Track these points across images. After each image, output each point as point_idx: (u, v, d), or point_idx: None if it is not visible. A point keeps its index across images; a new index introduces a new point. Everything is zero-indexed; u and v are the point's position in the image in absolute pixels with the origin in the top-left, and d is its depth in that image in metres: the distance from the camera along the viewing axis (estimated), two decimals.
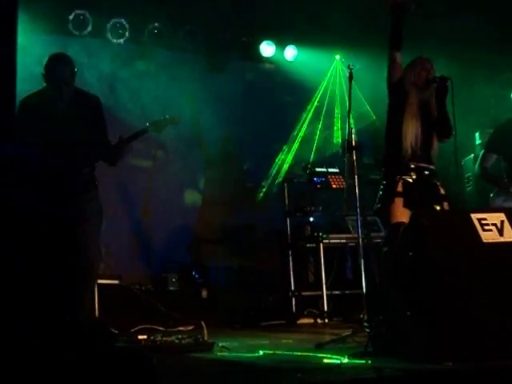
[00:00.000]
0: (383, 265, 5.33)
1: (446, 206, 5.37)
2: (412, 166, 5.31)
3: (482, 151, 6.78)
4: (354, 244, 7.83)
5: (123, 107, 8.71)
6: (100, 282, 6.88)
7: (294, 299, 8.09)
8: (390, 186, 5.28)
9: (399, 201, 5.21)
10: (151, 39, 8.84)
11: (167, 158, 9.30)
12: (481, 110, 8.95)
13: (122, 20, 8.60)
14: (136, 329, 6.60)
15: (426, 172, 5.37)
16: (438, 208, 5.29)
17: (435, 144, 5.45)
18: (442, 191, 5.41)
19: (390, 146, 5.43)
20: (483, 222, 4.21)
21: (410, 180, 5.27)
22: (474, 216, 4.23)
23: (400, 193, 5.23)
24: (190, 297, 8.10)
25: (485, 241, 4.13)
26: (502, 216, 4.25)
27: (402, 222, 5.04)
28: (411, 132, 5.32)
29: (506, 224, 4.22)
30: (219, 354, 5.19)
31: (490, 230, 4.17)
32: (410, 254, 4.32)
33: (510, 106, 8.52)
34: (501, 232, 4.18)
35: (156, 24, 8.80)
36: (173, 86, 8.99)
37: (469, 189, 8.48)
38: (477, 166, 6.80)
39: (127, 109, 8.70)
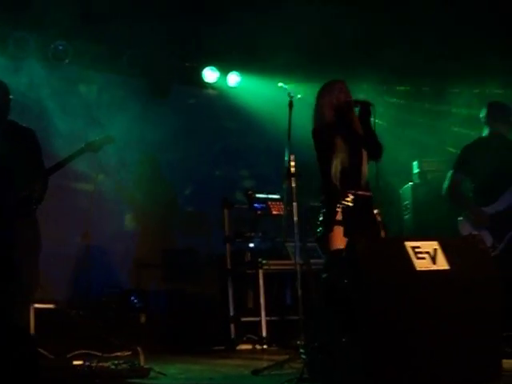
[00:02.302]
0: (321, 291, 5.37)
1: (382, 234, 5.44)
2: (349, 196, 5.36)
3: (450, 172, 6.70)
4: (293, 270, 7.86)
5: (63, 129, 8.63)
6: (36, 306, 6.79)
7: (233, 325, 8.08)
8: (330, 214, 5.33)
9: (339, 229, 5.26)
10: (93, 62, 8.81)
11: (108, 181, 9.24)
12: (416, 140, 9.11)
13: (64, 43, 8.56)
14: (72, 354, 6.53)
15: (363, 199, 5.44)
16: (376, 236, 5.37)
17: (364, 169, 5.51)
18: (379, 219, 5.48)
19: (325, 175, 5.47)
20: (417, 250, 4.26)
21: (349, 207, 5.33)
22: (408, 244, 4.29)
23: (340, 221, 5.28)
24: (129, 322, 8.03)
25: (418, 269, 4.19)
26: (435, 244, 4.31)
27: (342, 250, 5.09)
28: (341, 159, 5.37)
29: (439, 252, 4.28)
30: (155, 380, 5.16)
31: (424, 258, 4.23)
32: (345, 281, 4.36)
33: (443, 137, 8.72)
34: (434, 260, 4.25)
35: (98, 47, 8.78)
36: (114, 110, 8.95)
37: (406, 217, 8.60)
38: (445, 187, 6.71)
39: (67, 131, 8.63)
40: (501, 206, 6.43)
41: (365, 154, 5.52)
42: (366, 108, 5.42)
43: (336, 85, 5.58)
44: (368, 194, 5.47)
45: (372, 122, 5.46)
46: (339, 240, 5.18)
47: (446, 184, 6.72)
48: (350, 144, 5.42)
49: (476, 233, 6.24)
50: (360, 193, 5.41)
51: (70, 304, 8.02)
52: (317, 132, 5.48)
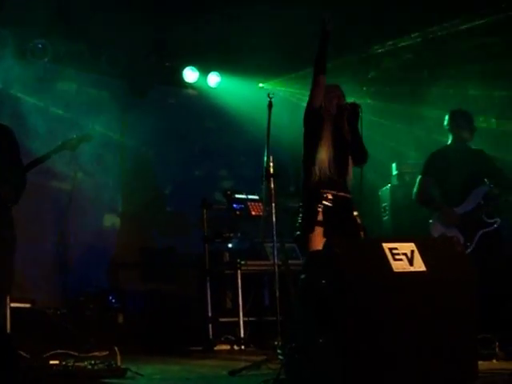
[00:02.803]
0: (299, 292, 5.38)
1: (362, 235, 5.46)
2: (330, 196, 5.38)
3: (419, 176, 6.94)
4: (271, 271, 7.87)
5: (40, 128, 8.59)
6: (13, 305, 6.76)
7: (210, 325, 8.07)
8: (311, 215, 5.34)
9: (319, 230, 5.28)
10: (73, 61, 8.77)
11: (87, 180, 9.20)
12: (396, 141, 9.16)
13: (43, 41, 8.51)
14: (49, 354, 6.50)
15: (344, 201, 5.45)
16: (355, 237, 5.38)
17: (350, 171, 5.54)
18: (359, 221, 5.50)
19: (307, 174, 5.49)
20: (394, 251, 4.27)
21: (329, 208, 5.34)
22: (386, 245, 4.29)
23: (320, 222, 5.30)
24: (106, 322, 8.01)
25: (395, 270, 4.20)
26: (412, 246, 4.33)
27: (321, 250, 5.10)
28: (327, 160, 5.40)
29: (416, 254, 4.30)
30: (131, 380, 5.15)
31: (401, 260, 4.25)
32: (323, 281, 4.37)
33: (420, 140, 8.77)
34: (411, 262, 4.26)
35: (78, 46, 8.74)
36: (93, 110, 8.92)
37: (385, 218, 8.63)
38: (414, 191, 6.94)
39: (45, 130, 8.59)
40: (469, 206, 6.63)
41: (350, 158, 5.56)
42: (353, 111, 5.44)
43: (329, 89, 5.60)
44: (348, 195, 5.49)
45: (359, 126, 5.47)
46: (319, 241, 5.20)
47: (415, 189, 6.95)
48: (335, 145, 5.45)
49: (447, 233, 6.39)
50: (340, 194, 5.43)
51: (47, 303, 7.99)
52: (307, 114, 5.52)
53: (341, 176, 5.46)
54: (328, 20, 5.41)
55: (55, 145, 5.68)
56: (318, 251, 5.04)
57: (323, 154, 5.40)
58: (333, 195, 5.39)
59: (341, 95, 5.57)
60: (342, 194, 5.44)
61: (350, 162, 5.55)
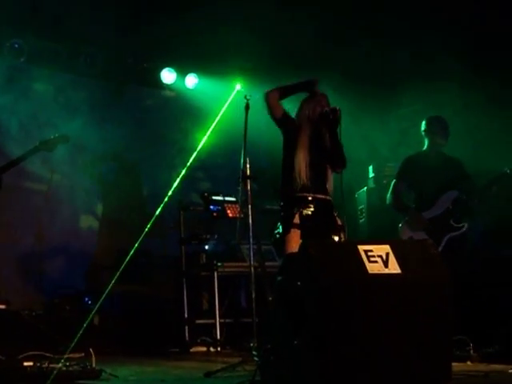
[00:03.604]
0: (275, 293, 5.39)
1: (342, 236, 5.47)
2: (309, 198, 5.39)
3: (393, 181, 7.09)
4: (248, 273, 7.87)
5: (15, 129, 8.55)
6: None
7: (187, 327, 8.06)
8: (288, 218, 5.35)
9: (296, 232, 5.29)
10: (50, 62, 8.73)
11: (63, 181, 9.16)
12: (372, 144, 9.19)
13: (20, 41, 8.47)
14: (23, 355, 6.45)
15: (323, 203, 5.47)
16: (335, 239, 5.40)
17: (330, 175, 5.56)
18: (339, 222, 5.52)
19: (286, 178, 5.50)
20: (369, 253, 4.29)
21: (309, 212, 5.36)
22: (361, 247, 4.31)
23: (297, 224, 5.31)
24: (82, 323, 7.96)
25: (370, 272, 4.22)
26: (387, 248, 4.35)
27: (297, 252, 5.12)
28: (305, 164, 5.41)
29: (391, 256, 4.32)
30: (106, 381, 5.14)
31: (376, 262, 4.27)
32: (299, 283, 4.38)
33: (399, 141, 8.81)
34: (386, 264, 4.28)
35: (55, 46, 8.70)
36: (71, 111, 8.88)
37: (361, 221, 8.67)
38: (388, 195, 7.10)
39: (23, 130, 8.55)
40: (437, 210, 6.76)
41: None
42: (333, 116, 5.44)
43: (316, 97, 5.62)
44: (328, 197, 5.50)
45: (339, 131, 5.48)
46: (295, 243, 5.20)
47: (388, 193, 7.10)
48: (313, 152, 5.47)
49: (414, 236, 6.51)
50: (319, 196, 5.44)
51: (22, 305, 7.94)
52: (277, 123, 5.56)
53: (319, 181, 5.47)
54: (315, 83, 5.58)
55: (32, 146, 5.67)
56: (295, 253, 5.05)
57: (301, 161, 5.41)
58: (312, 197, 5.40)
59: (325, 105, 5.57)
60: (321, 196, 5.46)
61: (330, 168, 5.57)
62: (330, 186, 5.55)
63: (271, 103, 5.54)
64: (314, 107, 5.55)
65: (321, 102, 5.59)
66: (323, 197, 5.48)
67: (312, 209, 5.37)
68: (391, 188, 7.07)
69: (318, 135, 5.55)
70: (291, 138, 5.51)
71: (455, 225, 6.66)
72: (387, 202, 7.13)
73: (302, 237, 5.27)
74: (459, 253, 6.59)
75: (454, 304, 4.36)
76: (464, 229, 6.66)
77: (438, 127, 6.96)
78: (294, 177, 5.41)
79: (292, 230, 5.31)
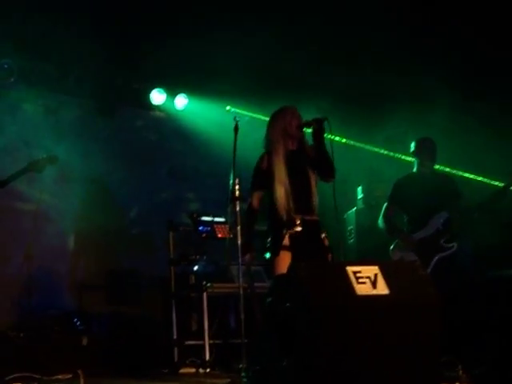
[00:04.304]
0: (264, 315, 5.38)
1: (329, 258, 5.47)
2: (297, 221, 5.39)
3: (385, 204, 7.11)
4: (237, 293, 7.85)
5: (8, 148, 8.54)
6: None
7: (176, 348, 8.03)
8: (277, 239, 5.35)
9: (286, 254, 5.29)
10: (40, 82, 8.73)
11: (51, 201, 9.13)
12: (362, 166, 9.23)
13: (10, 61, 8.47)
14: (11, 377, 6.42)
15: (311, 224, 5.47)
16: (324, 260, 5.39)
17: (315, 190, 5.54)
18: (327, 243, 5.52)
19: (271, 199, 5.51)
20: (358, 274, 4.31)
21: (297, 233, 5.35)
22: (350, 269, 4.33)
23: (287, 246, 5.31)
24: (71, 344, 7.92)
25: (358, 293, 4.23)
26: (376, 269, 4.36)
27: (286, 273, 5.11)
28: (285, 195, 5.40)
29: (380, 277, 4.33)
30: None
31: (364, 283, 4.28)
32: (288, 304, 4.39)
33: (387, 163, 8.87)
34: (374, 285, 4.30)
35: (45, 66, 8.72)
36: (60, 131, 8.88)
37: (350, 241, 8.69)
38: (380, 218, 7.11)
39: (12, 150, 8.54)
40: (428, 231, 6.80)
41: (313, 177, 5.55)
42: (319, 126, 5.44)
43: (288, 110, 5.62)
44: (315, 218, 5.50)
45: (326, 140, 5.48)
46: (285, 265, 5.20)
47: (380, 217, 7.11)
48: (294, 170, 5.46)
49: (405, 257, 6.53)
50: (307, 218, 5.44)
51: (10, 325, 7.89)
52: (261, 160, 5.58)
53: (304, 201, 5.46)
54: None
55: (20, 167, 5.67)
56: (284, 274, 5.06)
57: (281, 194, 5.41)
58: (300, 218, 5.40)
59: (299, 116, 5.58)
60: (308, 217, 5.46)
61: (314, 180, 5.55)
62: (315, 201, 5.53)
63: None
64: (289, 121, 5.55)
65: (294, 113, 5.59)
66: (310, 218, 5.47)
67: (299, 229, 5.37)
68: (383, 211, 7.10)
69: (294, 151, 5.53)
70: (266, 170, 5.53)
71: (445, 245, 6.69)
72: (379, 225, 7.14)
73: (291, 258, 5.27)
74: (449, 273, 6.59)
75: (442, 324, 4.37)
76: (454, 249, 6.69)
77: (425, 149, 7.01)
78: (278, 209, 5.41)
79: (281, 251, 5.31)
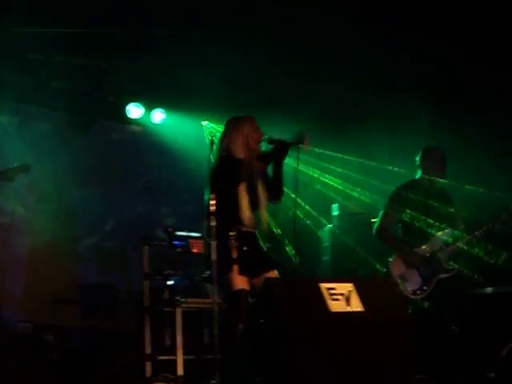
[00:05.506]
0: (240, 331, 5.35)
1: (275, 273, 5.41)
2: (233, 232, 5.31)
3: (381, 211, 6.86)
4: (211, 309, 7.81)
5: None
6: None
7: (148, 363, 7.97)
8: (226, 253, 5.27)
9: (236, 268, 5.22)
10: (15, 93, 8.69)
11: (27, 214, 9.08)
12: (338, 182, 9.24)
13: None
14: None
15: (248, 235, 5.43)
16: (271, 275, 5.34)
17: (263, 208, 5.51)
18: (273, 258, 5.51)
19: (221, 212, 5.44)
20: (332, 291, 4.32)
21: (244, 247, 5.31)
22: (323, 285, 4.34)
23: (235, 259, 5.25)
24: (42, 358, 7.85)
25: (332, 310, 4.24)
26: (349, 286, 4.37)
27: (243, 289, 5.12)
28: (246, 203, 5.38)
29: (354, 294, 4.35)
30: None
31: (338, 300, 4.29)
32: (261, 320, 4.38)
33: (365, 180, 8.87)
34: (348, 302, 4.30)
35: (21, 79, 8.67)
36: (35, 143, 8.83)
37: (325, 259, 8.69)
38: (375, 226, 6.85)
39: None
40: (430, 249, 6.62)
41: (263, 195, 5.53)
42: (284, 148, 5.40)
43: (248, 121, 5.58)
44: (252, 230, 5.45)
45: (283, 163, 5.44)
46: (238, 279, 5.16)
47: (376, 223, 6.86)
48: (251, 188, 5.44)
49: (406, 274, 6.42)
50: (243, 229, 5.39)
51: None
52: (224, 163, 5.46)
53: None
54: None
55: None
56: (242, 290, 5.07)
57: (244, 202, 5.39)
58: (246, 230, 5.36)
59: (258, 127, 5.54)
60: (252, 230, 5.43)
61: (263, 198, 5.53)
62: (264, 219, 5.51)
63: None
64: (248, 133, 5.50)
65: (253, 124, 5.53)
66: (246, 229, 5.43)
67: (246, 242, 5.32)
68: (379, 218, 6.83)
69: (260, 164, 5.48)
70: (231, 176, 5.43)
71: (446, 267, 6.55)
72: (373, 232, 6.87)
73: (240, 272, 5.21)
74: (448, 295, 6.48)
75: (415, 343, 4.38)
76: (454, 272, 6.56)
77: (432, 158, 6.80)
78: (241, 217, 5.37)
79: (233, 265, 5.22)
